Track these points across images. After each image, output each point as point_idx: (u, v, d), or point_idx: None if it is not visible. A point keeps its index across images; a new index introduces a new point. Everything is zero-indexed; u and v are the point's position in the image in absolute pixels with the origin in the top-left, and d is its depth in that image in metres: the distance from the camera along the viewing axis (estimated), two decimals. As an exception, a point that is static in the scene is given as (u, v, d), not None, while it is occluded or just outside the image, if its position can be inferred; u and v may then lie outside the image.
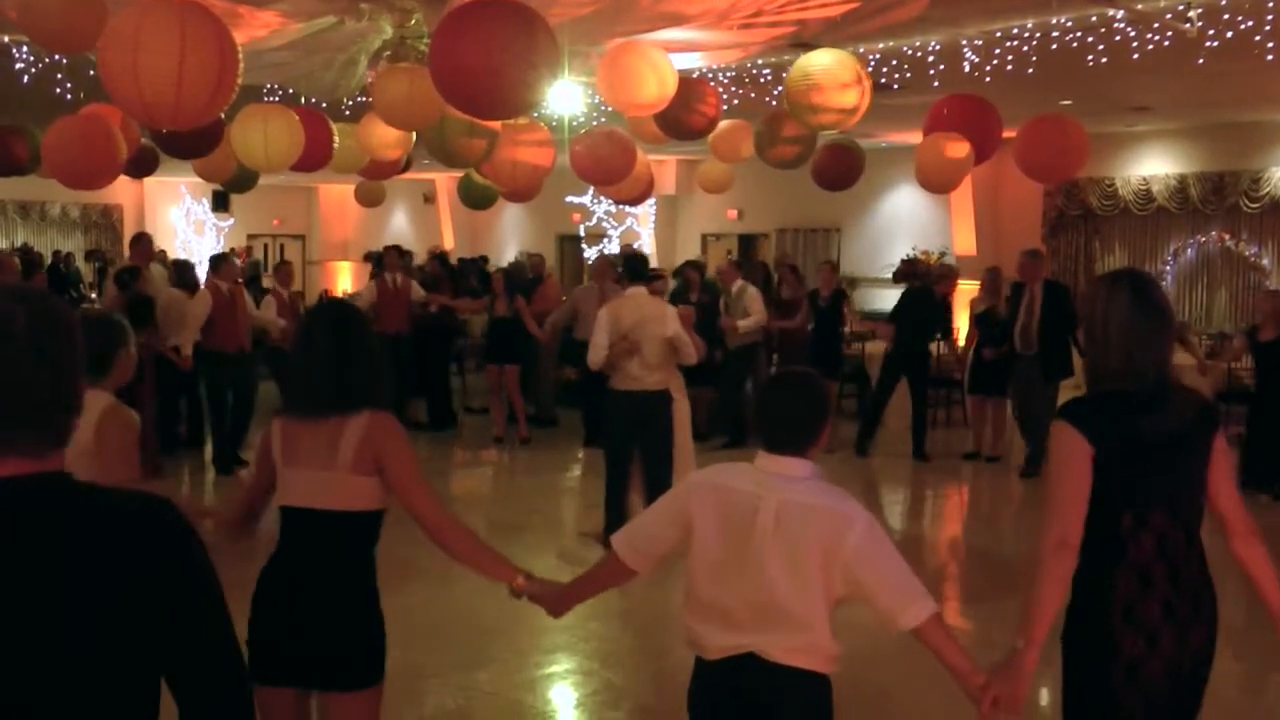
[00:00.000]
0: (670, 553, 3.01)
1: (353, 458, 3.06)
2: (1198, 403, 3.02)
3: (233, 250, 23.18)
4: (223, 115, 5.54)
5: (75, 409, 1.63)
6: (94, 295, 17.64)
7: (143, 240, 11.74)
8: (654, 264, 18.03)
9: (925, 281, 11.78)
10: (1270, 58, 8.49)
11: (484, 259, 17.83)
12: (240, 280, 11.47)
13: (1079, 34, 7.97)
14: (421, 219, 24.21)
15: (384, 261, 11.84)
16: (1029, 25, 7.87)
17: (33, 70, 9.02)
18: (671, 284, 10.42)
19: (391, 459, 3.09)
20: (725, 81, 9.94)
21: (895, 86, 9.81)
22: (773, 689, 2.80)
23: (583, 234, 20.17)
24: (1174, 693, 2.90)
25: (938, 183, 7.91)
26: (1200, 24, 7.47)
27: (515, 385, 11.27)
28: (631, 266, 8.06)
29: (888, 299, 12.10)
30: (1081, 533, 2.89)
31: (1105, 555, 2.91)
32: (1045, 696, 5.29)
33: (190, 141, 7.50)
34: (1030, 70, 8.85)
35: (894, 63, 9.05)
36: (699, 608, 2.88)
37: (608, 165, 7.94)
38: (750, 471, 2.85)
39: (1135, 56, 8.43)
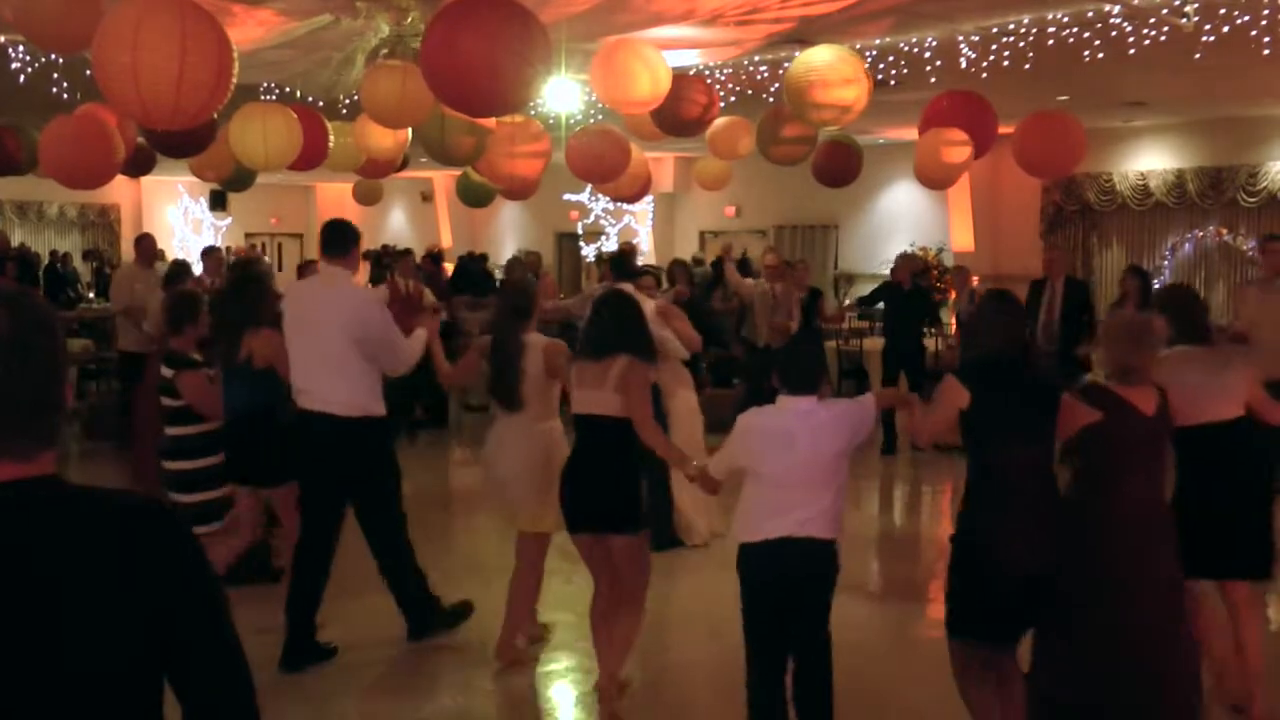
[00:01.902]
0: (737, 470, 4.24)
1: (614, 383, 4.68)
2: (1051, 377, 4.49)
3: (229, 249, 23.18)
4: (215, 115, 5.52)
5: (62, 408, 1.61)
6: (91, 295, 17.62)
7: (145, 240, 11.71)
8: (651, 261, 18.06)
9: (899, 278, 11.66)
10: (1267, 52, 8.49)
11: (484, 257, 17.79)
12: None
13: (1076, 29, 7.97)
14: (419, 217, 24.20)
15: (400, 267, 11.41)
16: (1025, 21, 7.87)
17: (29, 70, 9.01)
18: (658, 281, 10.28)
19: (627, 388, 4.67)
20: (722, 79, 9.93)
21: (893, 83, 9.80)
22: (806, 557, 4.05)
23: (580, 231, 20.17)
24: (1028, 589, 4.00)
25: (935, 179, 7.91)
26: (1197, 19, 7.47)
27: None
28: (616, 263, 8.35)
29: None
30: (936, 437, 4.37)
31: (983, 479, 4.09)
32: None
33: (183, 140, 7.49)
34: (1027, 66, 8.84)
35: (891, 59, 9.05)
36: (758, 507, 4.10)
37: (603, 162, 7.94)
38: (780, 412, 4.11)
39: (1132, 52, 8.43)
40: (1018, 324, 4.22)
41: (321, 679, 5.45)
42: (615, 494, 4.73)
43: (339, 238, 5.49)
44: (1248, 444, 4.65)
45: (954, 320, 11.34)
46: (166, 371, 5.76)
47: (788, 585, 4.09)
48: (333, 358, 5.26)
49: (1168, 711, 4.10)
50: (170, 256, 16.28)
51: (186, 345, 5.82)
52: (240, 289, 5.94)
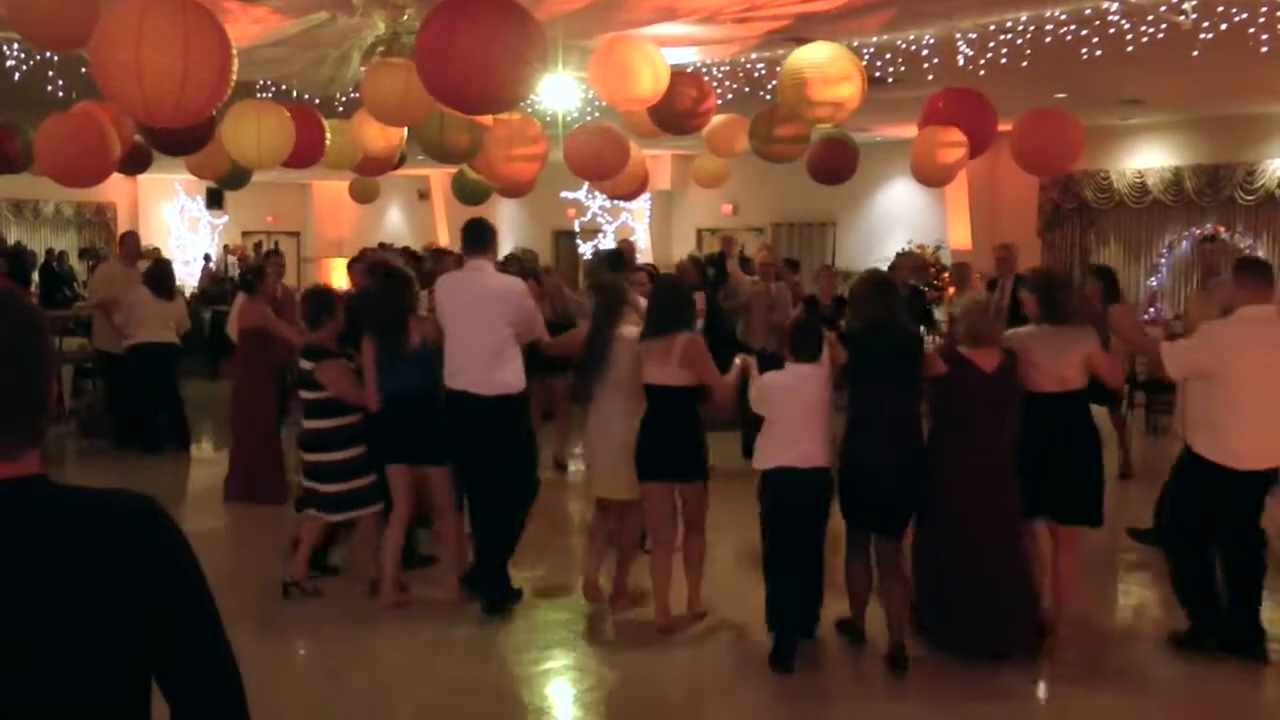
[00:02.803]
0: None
1: (678, 358, 5.62)
2: (911, 339, 5.50)
3: (227, 247, 23.12)
4: (214, 113, 5.52)
5: (48, 408, 1.61)
6: (87, 294, 17.56)
7: (129, 238, 11.71)
8: (649, 259, 18.04)
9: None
10: (1265, 49, 8.48)
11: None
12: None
13: (1073, 27, 7.96)
14: (416, 215, 24.16)
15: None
16: (1023, 18, 7.86)
17: (24, 68, 8.99)
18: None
19: (693, 361, 5.64)
20: (719, 76, 9.92)
21: (890, 80, 9.79)
22: (814, 484, 5.34)
23: (578, 229, 20.14)
24: (884, 488, 5.27)
25: (933, 176, 7.90)
26: (1195, 17, 7.47)
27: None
28: (609, 262, 8.82)
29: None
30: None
31: (859, 414, 5.38)
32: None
33: (181, 138, 7.46)
34: (1024, 63, 8.83)
35: (888, 56, 9.04)
36: (778, 443, 5.35)
37: (601, 160, 7.92)
38: (791, 374, 5.43)
39: (1130, 49, 8.42)
40: (887, 301, 5.45)
41: (326, 657, 5.44)
42: (684, 450, 5.74)
43: (480, 235, 6.18)
44: (1083, 414, 5.58)
45: (948, 319, 11.32)
46: (306, 364, 6.16)
47: (797, 500, 5.35)
48: (489, 340, 5.93)
49: (1000, 609, 5.33)
50: (166, 255, 16.21)
51: (325, 339, 6.26)
52: (397, 285, 6.27)
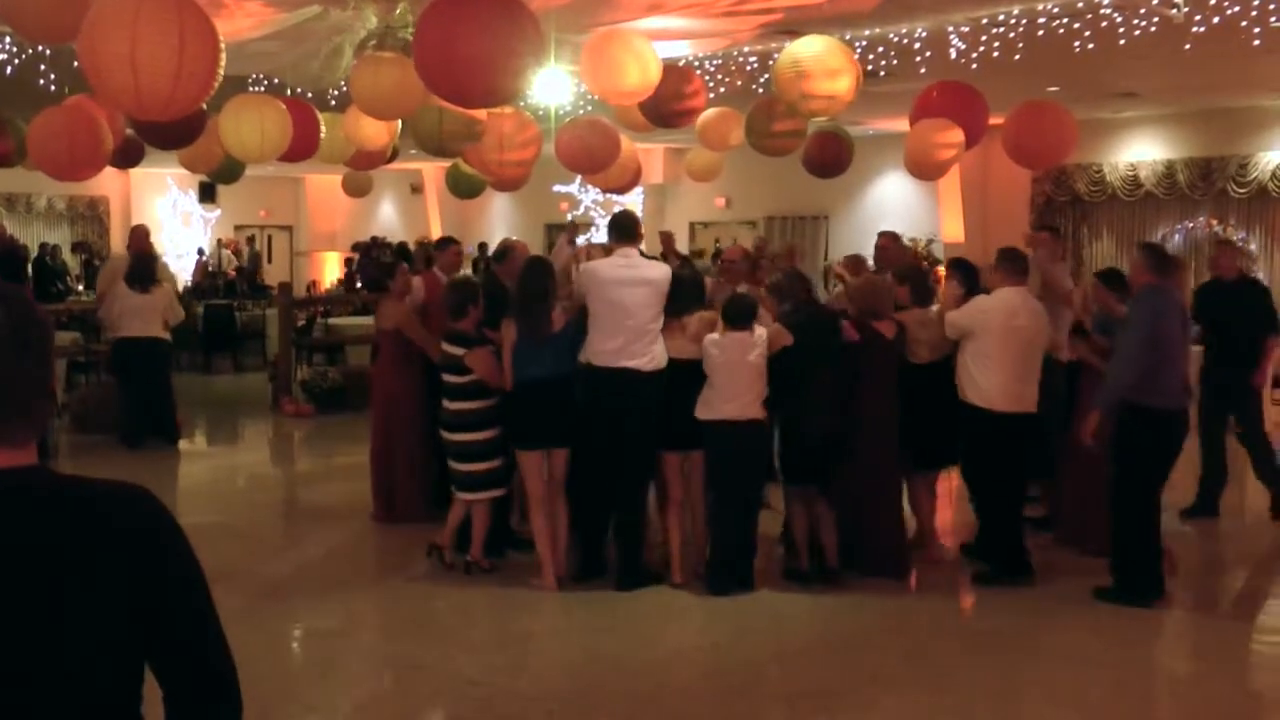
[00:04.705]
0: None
1: (693, 332, 6.31)
2: (830, 321, 6.57)
3: (220, 241, 23.08)
4: (204, 106, 5.52)
5: (50, 399, 1.66)
6: (80, 288, 17.53)
7: (135, 232, 11.61)
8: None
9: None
10: (1257, 43, 8.50)
11: (484, 247, 17.66)
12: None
13: (1065, 20, 7.97)
14: (409, 209, 24.14)
15: (434, 259, 9.65)
16: (1015, 12, 7.87)
17: (15, 62, 8.96)
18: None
19: (704, 335, 6.31)
20: (712, 69, 9.92)
21: (882, 74, 9.80)
22: (751, 435, 6.24)
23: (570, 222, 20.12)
24: (824, 447, 6.33)
25: (926, 170, 7.91)
26: (1187, 9, 7.48)
27: None
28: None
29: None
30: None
31: (796, 391, 6.28)
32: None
33: (172, 131, 7.46)
34: (1017, 57, 8.84)
35: (880, 49, 9.04)
36: (717, 398, 6.19)
37: (593, 154, 7.93)
38: (731, 338, 6.20)
39: (1122, 42, 8.43)
40: (804, 289, 6.76)
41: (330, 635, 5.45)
42: (693, 422, 6.25)
43: (629, 226, 6.77)
44: (945, 381, 6.64)
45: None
46: (455, 350, 6.46)
47: (738, 446, 6.21)
48: (645, 320, 6.43)
49: (875, 528, 6.59)
50: (161, 250, 16.16)
51: (469, 327, 6.57)
52: (542, 270, 6.58)
